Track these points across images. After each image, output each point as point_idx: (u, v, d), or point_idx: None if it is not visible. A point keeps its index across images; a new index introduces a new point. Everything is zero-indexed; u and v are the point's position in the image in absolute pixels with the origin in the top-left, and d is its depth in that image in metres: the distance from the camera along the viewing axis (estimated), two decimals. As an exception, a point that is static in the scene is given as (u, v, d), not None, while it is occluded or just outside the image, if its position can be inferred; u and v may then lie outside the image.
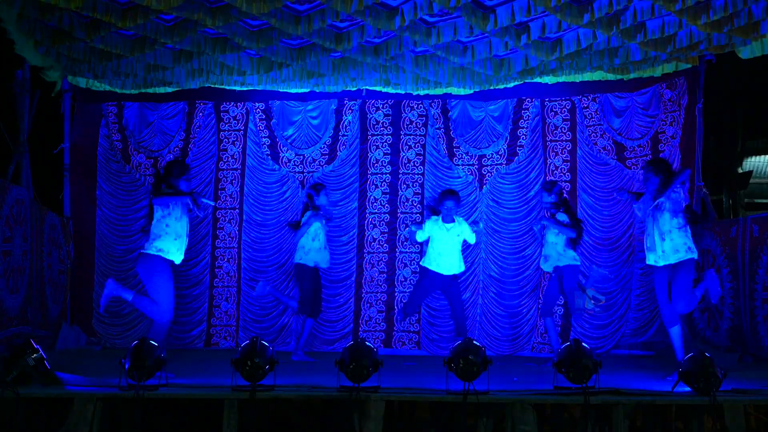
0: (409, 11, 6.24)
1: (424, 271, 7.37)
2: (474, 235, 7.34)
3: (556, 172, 8.65)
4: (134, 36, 6.95)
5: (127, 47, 7.05)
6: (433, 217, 7.31)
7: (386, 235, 8.73)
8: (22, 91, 7.76)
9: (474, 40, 7.08)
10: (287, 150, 8.89)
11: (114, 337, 8.58)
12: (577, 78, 8.19)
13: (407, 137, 8.87)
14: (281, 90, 8.53)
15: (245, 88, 8.39)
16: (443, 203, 7.24)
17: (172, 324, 7.40)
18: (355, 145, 8.87)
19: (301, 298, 7.51)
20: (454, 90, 8.37)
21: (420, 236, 7.34)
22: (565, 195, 7.59)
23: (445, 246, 7.22)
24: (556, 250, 7.23)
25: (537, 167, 8.69)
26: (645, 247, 6.33)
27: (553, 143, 8.72)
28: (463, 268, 7.41)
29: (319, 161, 8.86)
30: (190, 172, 6.40)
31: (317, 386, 5.37)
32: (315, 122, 8.93)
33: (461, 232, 7.26)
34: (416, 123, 8.89)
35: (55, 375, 5.34)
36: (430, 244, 7.34)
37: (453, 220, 7.25)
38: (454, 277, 7.32)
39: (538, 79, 8.14)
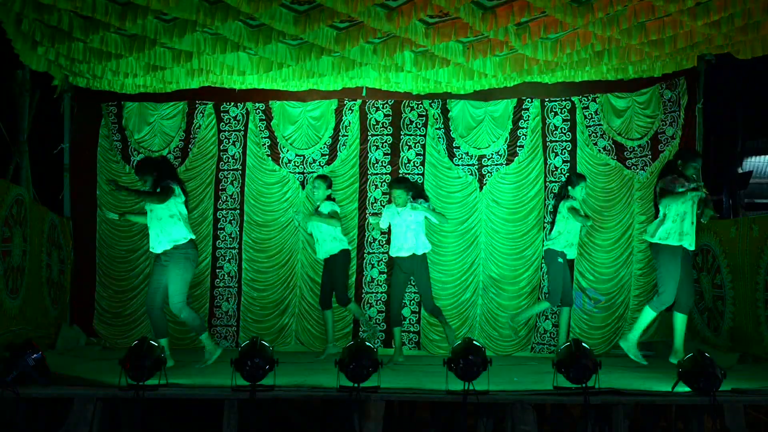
0: (409, 11, 6.24)
1: (393, 261, 7.61)
2: (431, 213, 7.39)
3: (555, 172, 8.64)
4: (134, 36, 6.95)
5: (127, 47, 7.06)
6: (388, 206, 7.56)
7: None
8: (22, 91, 7.77)
9: (474, 40, 7.08)
10: (287, 150, 8.89)
11: (115, 337, 8.58)
12: (577, 78, 8.18)
13: (407, 137, 8.87)
14: (281, 90, 8.53)
15: (245, 87, 8.39)
16: (391, 192, 7.41)
17: (173, 323, 7.41)
18: (355, 145, 8.87)
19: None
20: (454, 90, 8.37)
21: (382, 223, 7.54)
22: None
23: (399, 229, 7.37)
24: (578, 237, 7.62)
25: (537, 167, 8.68)
26: (679, 230, 6.59)
27: (553, 143, 8.72)
28: (423, 250, 7.40)
29: (319, 161, 8.86)
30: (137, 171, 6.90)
31: (317, 386, 5.37)
32: (315, 122, 8.93)
33: (415, 213, 7.33)
34: (416, 123, 8.89)
35: (55, 375, 5.34)
36: (391, 233, 7.55)
37: (405, 205, 7.33)
38: (413, 258, 7.35)
39: (538, 79, 8.13)
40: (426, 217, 7.45)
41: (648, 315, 6.76)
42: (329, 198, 7.86)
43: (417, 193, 7.52)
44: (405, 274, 7.46)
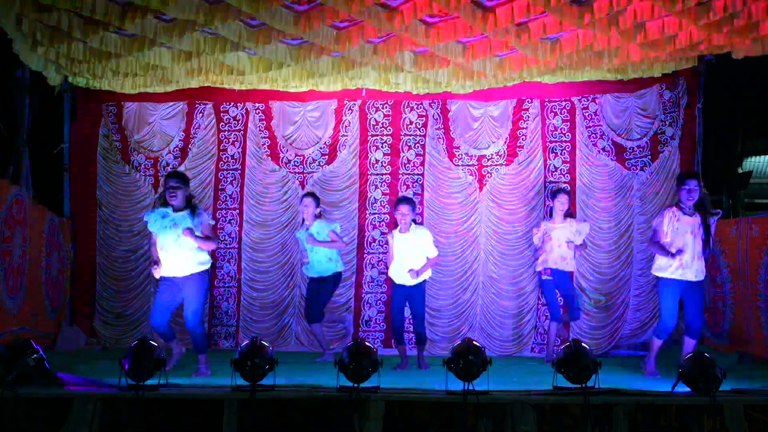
0: (409, 11, 6.25)
1: (392, 283, 7.13)
2: (435, 249, 7.00)
3: (555, 173, 8.65)
4: (134, 36, 6.95)
5: (127, 47, 7.06)
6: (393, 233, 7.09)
7: (386, 235, 8.71)
8: (22, 91, 7.77)
9: (474, 40, 7.08)
10: (287, 150, 8.88)
11: (115, 337, 8.57)
12: (577, 78, 8.18)
13: (407, 137, 8.87)
14: (281, 90, 8.53)
15: (245, 87, 8.39)
16: (397, 209, 6.94)
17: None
18: (355, 145, 8.87)
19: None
20: (454, 90, 8.37)
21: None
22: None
23: (404, 255, 6.91)
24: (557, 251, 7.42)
25: (536, 168, 8.68)
26: (676, 264, 6.18)
27: (553, 144, 8.72)
28: (426, 276, 7.04)
29: (319, 161, 8.85)
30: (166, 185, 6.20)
31: (317, 386, 5.37)
32: (315, 122, 8.93)
33: (420, 241, 6.90)
34: (416, 123, 8.89)
35: (55, 375, 5.34)
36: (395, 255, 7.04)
37: (408, 229, 6.91)
38: (419, 287, 6.97)
39: (538, 79, 8.13)
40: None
41: (654, 343, 6.41)
42: (320, 216, 7.52)
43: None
44: (405, 295, 7.04)
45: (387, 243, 7.45)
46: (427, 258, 6.95)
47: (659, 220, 6.31)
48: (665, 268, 6.25)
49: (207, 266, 6.29)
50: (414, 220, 6.98)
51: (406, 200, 7.03)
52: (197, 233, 6.10)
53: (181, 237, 6.05)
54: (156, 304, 6.32)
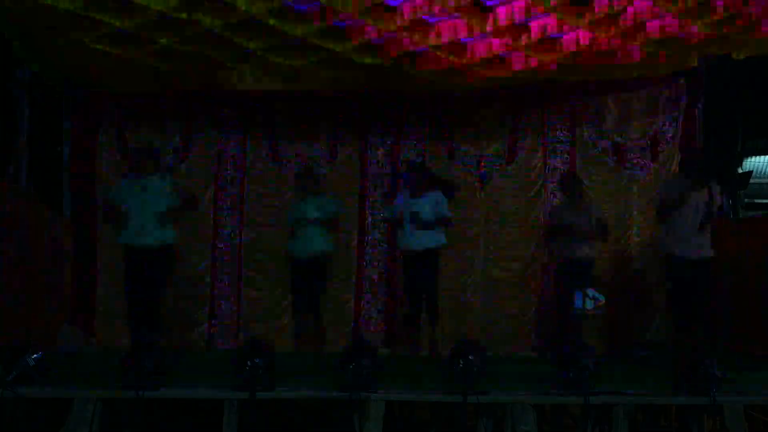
0: (409, 11, 6.25)
1: (403, 257, 7.17)
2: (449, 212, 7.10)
3: (555, 173, 8.64)
4: (134, 36, 6.94)
5: (127, 47, 7.05)
6: (399, 195, 7.13)
7: (386, 235, 8.71)
8: (22, 90, 7.77)
9: (474, 40, 7.07)
10: (287, 150, 8.87)
11: (115, 337, 8.55)
12: (577, 78, 8.17)
13: (407, 137, 8.85)
14: (281, 90, 8.50)
15: (245, 88, 8.37)
16: (410, 176, 7.06)
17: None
18: (355, 144, 8.85)
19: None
20: (457, 89, 8.34)
21: (389, 213, 7.19)
22: None
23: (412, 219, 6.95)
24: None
25: (537, 168, 8.67)
26: (673, 234, 6.33)
27: (553, 144, 8.71)
28: (441, 241, 7.09)
29: (320, 161, 8.84)
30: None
31: (317, 386, 5.37)
32: (315, 122, 8.90)
33: (431, 201, 6.97)
34: (416, 123, 8.87)
35: (54, 375, 5.34)
36: (402, 223, 7.13)
37: (421, 193, 7.01)
38: (430, 252, 7.01)
39: (539, 78, 8.12)
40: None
41: None
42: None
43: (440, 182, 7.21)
44: (416, 270, 7.04)
45: (391, 203, 7.35)
46: (442, 216, 6.91)
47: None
48: (659, 242, 6.45)
49: (170, 240, 6.42)
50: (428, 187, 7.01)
51: (417, 167, 7.12)
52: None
53: (147, 200, 6.27)
54: (128, 291, 6.43)
